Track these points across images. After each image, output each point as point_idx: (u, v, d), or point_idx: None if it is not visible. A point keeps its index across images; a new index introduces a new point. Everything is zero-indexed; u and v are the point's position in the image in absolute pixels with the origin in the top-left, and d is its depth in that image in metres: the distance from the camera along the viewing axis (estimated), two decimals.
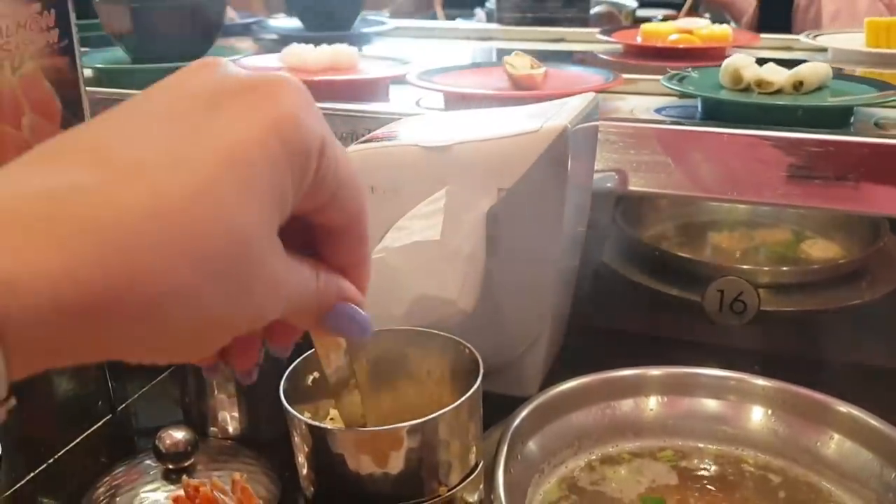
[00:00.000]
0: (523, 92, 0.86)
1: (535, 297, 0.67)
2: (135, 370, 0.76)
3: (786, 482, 0.59)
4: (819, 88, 0.83)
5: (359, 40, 1.33)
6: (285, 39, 1.27)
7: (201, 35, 1.14)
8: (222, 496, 0.40)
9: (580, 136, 0.65)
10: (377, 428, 0.47)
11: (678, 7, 2.98)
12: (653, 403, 0.65)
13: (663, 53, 1.15)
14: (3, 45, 0.85)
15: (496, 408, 0.66)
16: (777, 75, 0.83)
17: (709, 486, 0.59)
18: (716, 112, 0.81)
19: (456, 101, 0.86)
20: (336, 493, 0.48)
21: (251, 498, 0.41)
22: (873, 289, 0.84)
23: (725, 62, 0.85)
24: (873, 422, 0.58)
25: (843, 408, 0.59)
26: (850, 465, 0.58)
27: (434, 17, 2.23)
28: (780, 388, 0.62)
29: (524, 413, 0.60)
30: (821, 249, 0.95)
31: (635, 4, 2.08)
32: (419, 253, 0.58)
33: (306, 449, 0.48)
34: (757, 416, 0.63)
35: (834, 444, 0.59)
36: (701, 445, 0.63)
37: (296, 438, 0.48)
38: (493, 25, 1.51)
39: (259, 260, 0.28)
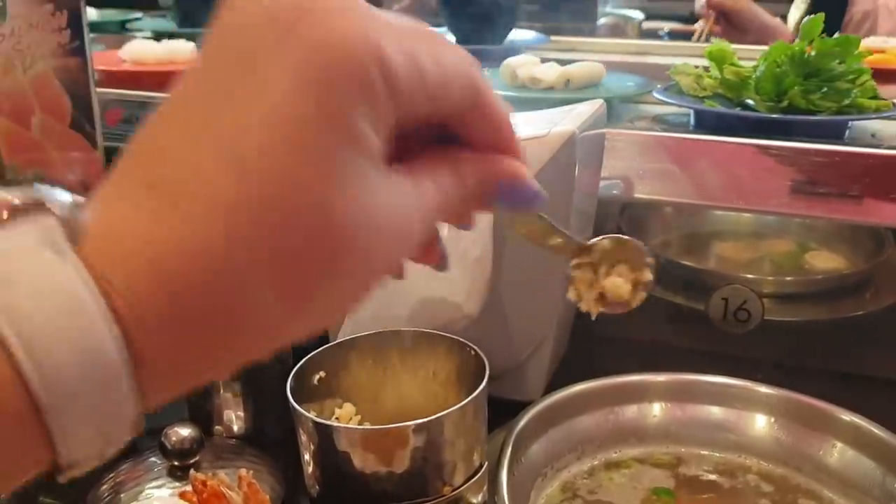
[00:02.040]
0: None
1: (540, 303, 0.68)
2: None
3: (787, 490, 0.59)
4: (592, 86, 0.93)
5: None
6: None
7: None
8: (229, 491, 0.40)
9: (587, 141, 0.66)
10: (384, 426, 0.48)
11: (684, 20, 2.99)
12: (656, 410, 0.65)
13: None
14: (14, 45, 0.86)
15: (500, 411, 0.67)
16: (548, 74, 0.92)
17: (709, 494, 0.59)
18: None
19: None
20: (341, 491, 0.49)
21: (257, 493, 0.41)
22: (877, 299, 0.84)
23: (504, 62, 0.96)
24: (876, 430, 0.58)
25: (846, 416, 0.60)
26: (852, 473, 0.58)
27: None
28: (784, 397, 0.62)
29: (528, 416, 0.60)
30: (825, 260, 0.96)
31: (642, 17, 2.09)
32: None
33: (312, 447, 0.48)
34: (760, 423, 0.63)
35: (836, 453, 0.60)
36: (704, 452, 0.63)
37: (302, 436, 0.49)
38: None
39: (369, 210, 0.25)
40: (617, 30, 1.91)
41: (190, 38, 1.36)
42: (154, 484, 0.56)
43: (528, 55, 1.00)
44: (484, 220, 0.62)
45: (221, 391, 0.63)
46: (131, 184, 0.24)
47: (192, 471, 0.42)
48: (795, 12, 1.92)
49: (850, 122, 0.81)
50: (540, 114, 0.70)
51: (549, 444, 0.61)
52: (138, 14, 1.69)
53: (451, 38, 1.31)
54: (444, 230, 0.60)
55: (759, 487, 0.59)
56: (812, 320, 0.82)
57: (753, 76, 0.83)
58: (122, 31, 1.54)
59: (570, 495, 0.59)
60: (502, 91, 0.92)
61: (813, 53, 0.81)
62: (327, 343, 0.56)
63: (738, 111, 0.82)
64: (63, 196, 0.24)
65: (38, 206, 0.23)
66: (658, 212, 0.98)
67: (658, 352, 0.79)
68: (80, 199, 0.24)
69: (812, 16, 0.85)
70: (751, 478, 0.60)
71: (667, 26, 2.45)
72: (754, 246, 0.97)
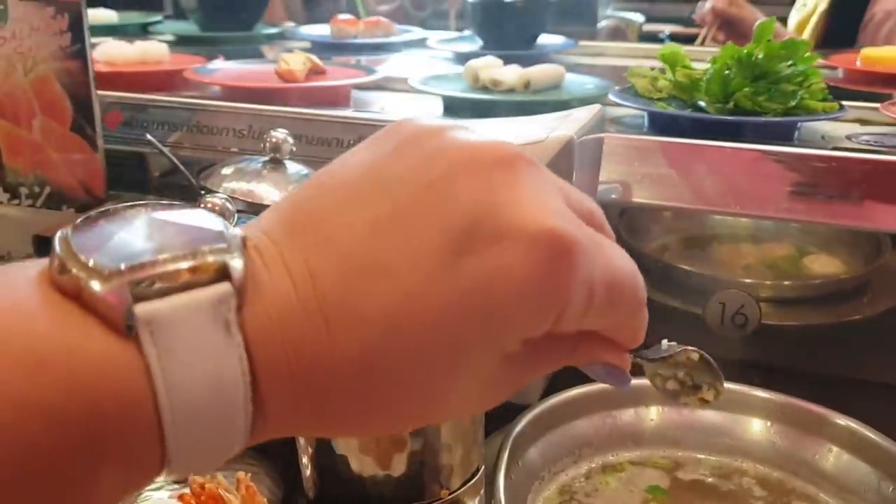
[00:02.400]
0: (284, 84, 1.02)
1: None
2: None
3: (783, 494, 0.59)
4: (553, 87, 0.99)
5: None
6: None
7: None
8: (227, 494, 0.41)
9: (585, 146, 0.66)
10: None
11: (685, 23, 3.00)
12: (653, 413, 0.65)
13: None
14: (16, 48, 0.87)
15: (497, 416, 0.67)
16: (508, 76, 0.97)
17: (706, 497, 0.59)
18: (459, 106, 0.96)
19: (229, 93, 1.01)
20: (338, 494, 0.49)
21: (255, 496, 0.42)
22: (875, 304, 0.84)
23: (467, 64, 1.00)
24: (872, 435, 0.58)
25: (842, 421, 0.60)
26: (848, 477, 0.59)
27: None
28: (780, 401, 0.63)
29: (525, 420, 0.60)
30: (823, 265, 0.96)
31: (642, 19, 2.09)
32: None
33: (310, 450, 0.49)
34: (756, 427, 0.63)
35: (832, 457, 0.60)
36: (701, 456, 0.63)
37: (300, 440, 0.49)
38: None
39: (468, 398, 0.28)
40: (617, 32, 1.91)
41: (211, 41, 1.38)
42: (152, 487, 0.57)
43: (491, 57, 1.04)
44: None
45: None
46: (296, 264, 0.25)
47: (190, 475, 0.43)
48: (795, 15, 1.92)
49: (799, 124, 0.83)
50: (538, 119, 0.70)
51: (546, 448, 0.61)
52: (158, 17, 1.70)
53: (479, 41, 1.33)
54: None
55: (754, 491, 0.60)
56: (810, 324, 0.82)
57: (704, 78, 0.85)
58: (143, 33, 1.54)
59: (567, 498, 0.59)
60: (465, 93, 0.97)
61: (761, 56, 0.82)
62: None
63: (689, 113, 0.84)
64: (236, 244, 0.25)
65: (219, 271, 0.24)
66: (656, 215, 0.98)
67: None
68: (252, 258, 0.25)
69: (767, 19, 0.88)
70: (746, 481, 0.61)
71: (667, 29, 2.46)
72: (752, 250, 0.97)
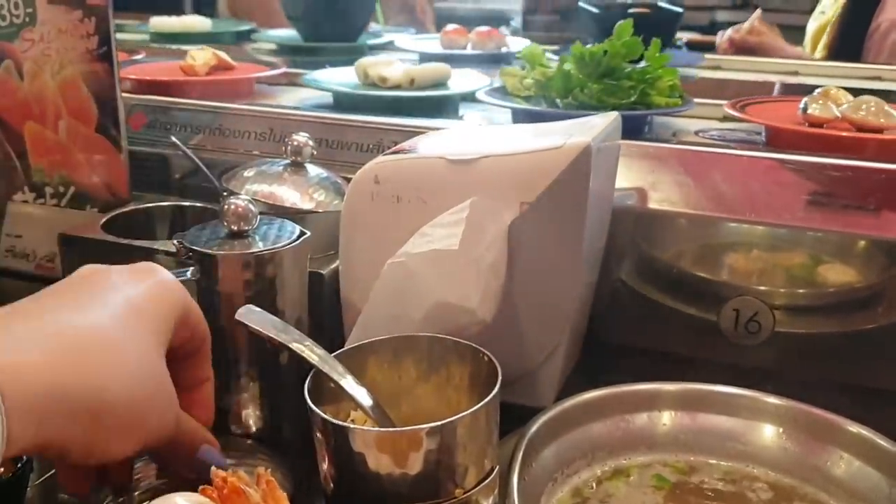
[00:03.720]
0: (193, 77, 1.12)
1: (554, 310, 0.69)
2: None
3: (794, 500, 0.60)
4: (437, 85, 1.07)
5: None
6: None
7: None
8: (248, 489, 0.42)
9: (602, 153, 0.67)
10: (398, 429, 0.49)
11: (704, 31, 2.98)
12: (666, 418, 0.66)
13: None
14: (44, 51, 0.88)
15: (512, 417, 0.68)
16: (394, 73, 1.06)
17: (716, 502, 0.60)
18: (348, 102, 1.04)
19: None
20: (354, 491, 0.50)
21: (275, 490, 0.43)
22: (889, 313, 0.84)
23: (357, 62, 1.09)
24: (883, 443, 0.59)
25: (854, 428, 0.60)
26: (859, 485, 0.59)
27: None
28: (792, 407, 0.63)
29: (540, 422, 0.61)
30: (838, 273, 0.96)
31: None
32: (439, 260, 0.60)
33: (327, 447, 0.50)
34: (768, 433, 0.64)
35: (843, 464, 0.60)
36: (712, 461, 0.64)
37: (318, 436, 0.50)
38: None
39: (161, 370, 0.46)
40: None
41: (314, 51, 1.40)
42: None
43: (386, 55, 1.18)
44: (498, 227, 0.63)
45: (240, 390, 0.65)
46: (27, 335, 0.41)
47: (213, 467, 0.44)
48: (812, 24, 1.92)
49: (649, 118, 0.92)
50: (554, 125, 0.71)
51: (559, 450, 0.62)
52: (251, 24, 1.71)
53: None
54: (461, 232, 0.61)
55: (766, 497, 0.60)
56: (823, 332, 0.82)
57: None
58: (236, 41, 1.56)
59: (580, 500, 0.60)
60: (355, 90, 1.06)
61: (604, 55, 0.91)
62: (343, 347, 0.58)
63: (538, 108, 0.92)
64: None
65: None
66: (672, 222, 0.98)
67: (669, 361, 0.80)
68: None
69: (624, 21, 0.95)
70: (758, 486, 0.61)
71: (685, 37, 2.46)
72: (767, 258, 0.97)
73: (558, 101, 0.92)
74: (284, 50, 1.47)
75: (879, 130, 0.86)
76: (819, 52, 1.87)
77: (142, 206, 0.89)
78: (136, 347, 0.43)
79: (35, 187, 0.93)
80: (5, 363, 0.37)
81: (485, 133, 0.75)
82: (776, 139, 0.91)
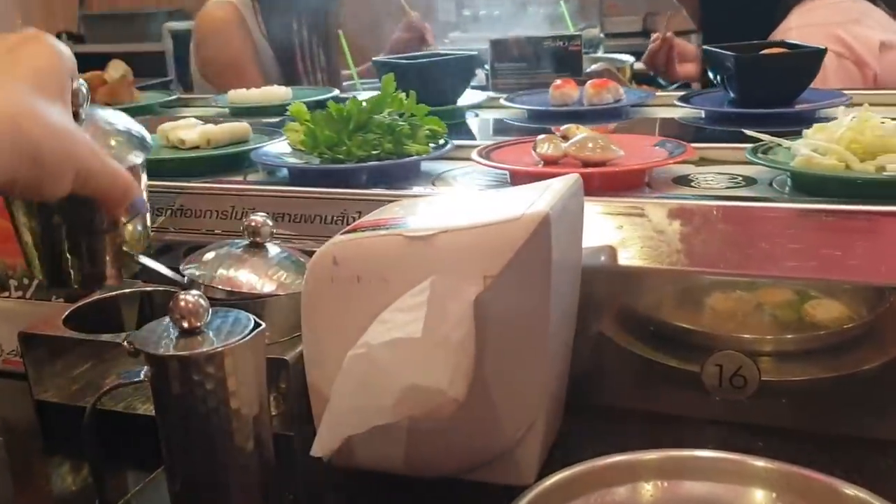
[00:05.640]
0: None
1: (528, 383, 0.66)
2: (128, 468, 0.75)
3: None
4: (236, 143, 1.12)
5: None
6: None
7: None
8: None
9: (563, 218, 0.65)
10: None
11: (638, 35, 3.01)
12: (649, 489, 0.63)
13: None
14: None
15: (493, 497, 0.65)
16: (191, 135, 1.10)
17: None
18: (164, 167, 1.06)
19: None
20: None
21: None
22: (882, 353, 0.81)
23: (159, 127, 1.12)
24: None
25: (851, 491, 0.57)
26: None
27: None
28: (784, 471, 0.60)
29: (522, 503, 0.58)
30: (826, 310, 0.93)
31: (632, 59, 2.09)
32: (402, 348, 0.58)
33: None
34: (760, 499, 0.61)
35: None
36: None
37: None
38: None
39: (74, 125, 0.57)
40: (609, 76, 1.91)
41: None
42: None
43: (188, 119, 1.17)
44: (462, 304, 0.61)
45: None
46: None
47: None
48: None
49: (416, 165, 0.99)
50: (517, 191, 0.69)
51: None
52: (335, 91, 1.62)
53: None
54: (422, 316, 0.59)
55: None
56: (814, 378, 0.79)
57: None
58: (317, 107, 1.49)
59: None
60: (161, 155, 1.07)
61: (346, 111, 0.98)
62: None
63: (317, 165, 0.98)
64: None
65: None
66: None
67: (655, 420, 0.77)
68: None
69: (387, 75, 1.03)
70: None
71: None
72: (750, 298, 0.94)
73: (317, 157, 0.98)
74: None
75: (602, 164, 0.89)
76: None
77: (107, 294, 0.87)
78: (56, 110, 0.54)
79: None
80: None
81: (447, 203, 0.73)
82: (517, 181, 0.89)
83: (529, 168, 0.91)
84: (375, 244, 0.64)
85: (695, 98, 1.32)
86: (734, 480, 0.62)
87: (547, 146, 0.93)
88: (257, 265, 0.73)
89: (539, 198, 0.63)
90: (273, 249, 0.74)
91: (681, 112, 1.27)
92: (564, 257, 0.67)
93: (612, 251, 0.77)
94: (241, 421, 0.59)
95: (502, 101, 1.37)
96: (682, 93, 1.40)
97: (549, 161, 0.92)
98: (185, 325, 0.58)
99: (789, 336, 0.86)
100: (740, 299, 0.94)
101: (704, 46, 1.32)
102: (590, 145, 0.91)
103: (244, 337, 0.59)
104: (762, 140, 0.93)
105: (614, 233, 0.79)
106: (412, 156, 0.98)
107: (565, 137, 0.95)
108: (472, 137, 1.29)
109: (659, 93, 1.44)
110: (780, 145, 0.92)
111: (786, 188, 0.87)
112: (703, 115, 1.25)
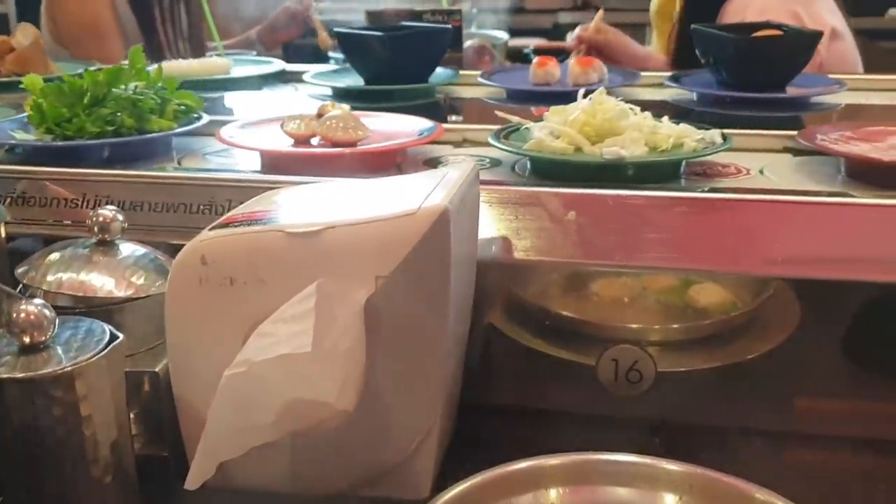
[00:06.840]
0: None
1: (425, 388, 0.61)
2: None
3: None
4: None
5: None
6: None
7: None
8: None
9: (462, 211, 0.60)
10: None
11: (549, 35, 3.01)
12: (553, 496, 0.59)
13: None
14: None
15: None
16: None
17: None
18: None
19: None
20: None
21: None
22: (767, 337, 0.81)
23: None
24: None
25: (760, 495, 0.56)
26: None
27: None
28: (691, 474, 0.58)
29: None
30: (710, 295, 0.93)
31: (507, 37, 2.07)
32: (289, 364, 0.51)
33: None
34: (668, 503, 0.59)
35: None
36: None
37: None
38: None
39: None
40: (483, 52, 1.88)
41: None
42: None
43: None
44: (351, 308, 0.55)
45: None
46: None
47: None
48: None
49: (164, 142, 0.95)
50: (410, 179, 0.63)
51: None
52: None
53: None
54: (311, 328, 0.53)
55: None
56: (706, 368, 0.78)
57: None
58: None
59: None
60: None
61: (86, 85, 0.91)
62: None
63: (50, 142, 0.90)
64: None
65: None
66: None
67: (554, 418, 0.74)
68: None
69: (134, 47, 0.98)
70: None
71: (532, 43, 2.45)
72: (635, 283, 0.93)
73: (49, 134, 0.91)
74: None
75: (352, 144, 0.87)
76: (663, 50, 1.90)
77: None
78: None
79: None
80: None
81: (332, 192, 0.66)
82: (271, 166, 0.88)
83: (281, 150, 0.88)
84: (251, 242, 0.57)
85: (684, 79, 1.29)
86: (641, 484, 0.59)
87: (296, 124, 0.89)
88: (110, 266, 0.64)
89: (435, 189, 0.58)
90: (126, 248, 0.66)
91: (670, 93, 1.25)
92: (462, 251, 0.62)
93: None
94: (98, 450, 0.51)
95: (479, 80, 1.29)
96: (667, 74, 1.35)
97: (299, 140, 0.88)
98: (27, 339, 0.49)
99: (676, 326, 0.85)
100: (625, 285, 0.92)
101: (694, 26, 1.26)
102: (340, 125, 0.87)
103: (99, 351, 0.50)
104: (511, 121, 0.92)
105: None
106: (154, 132, 0.93)
107: (320, 115, 0.91)
108: (443, 121, 1.18)
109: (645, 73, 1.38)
110: (528, 128, 0.90)
111: (526, 171, 0.86)
112: (695, 98, 1.22)
